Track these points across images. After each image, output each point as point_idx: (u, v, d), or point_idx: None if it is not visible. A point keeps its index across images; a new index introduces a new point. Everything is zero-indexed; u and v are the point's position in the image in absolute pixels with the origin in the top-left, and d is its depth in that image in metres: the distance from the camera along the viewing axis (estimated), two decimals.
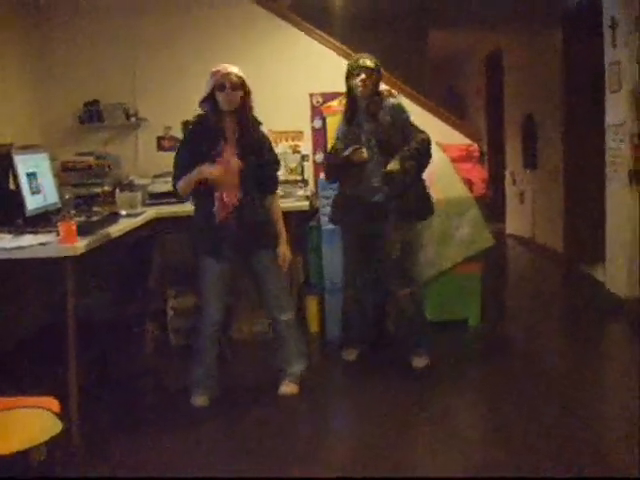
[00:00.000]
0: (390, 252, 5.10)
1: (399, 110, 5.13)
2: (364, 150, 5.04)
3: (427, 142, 5.12)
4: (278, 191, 4.97)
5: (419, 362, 5.24)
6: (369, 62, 5.06)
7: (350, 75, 5.10)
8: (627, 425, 4.29)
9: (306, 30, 6.71)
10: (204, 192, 4.54)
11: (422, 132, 5.14)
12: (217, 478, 3.62)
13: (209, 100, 4.53)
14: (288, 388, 4.82)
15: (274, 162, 4.83)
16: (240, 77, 4.50)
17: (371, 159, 5.04)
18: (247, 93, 4.56)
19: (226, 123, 4.56)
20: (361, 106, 5.13)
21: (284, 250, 4.77)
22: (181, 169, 4.57)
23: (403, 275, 5.18)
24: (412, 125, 5.15)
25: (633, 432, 4.11)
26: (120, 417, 4.58)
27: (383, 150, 5.03)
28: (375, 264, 5.29)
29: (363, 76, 5.03)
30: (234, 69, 4.51)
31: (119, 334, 5.62)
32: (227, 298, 4.84)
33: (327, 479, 3.67)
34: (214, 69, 4.51)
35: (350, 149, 5.05)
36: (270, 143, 4.82)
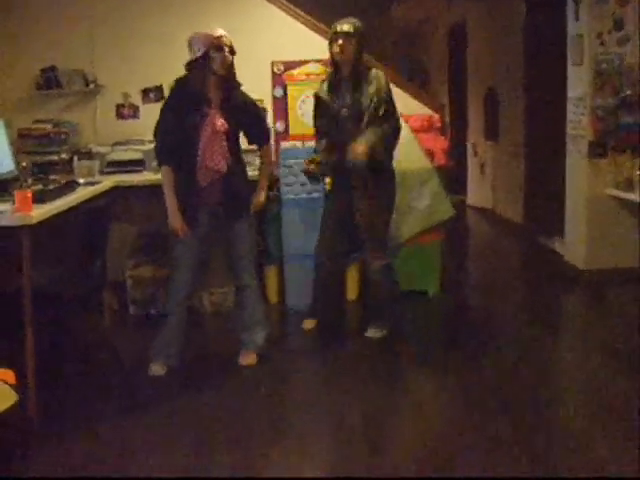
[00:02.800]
0: (367, 223, 5.08)
1: (384, 81, 5.02)
2: (313, 166, 5.09)
3: (399, 130, 5.12)
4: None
5: (375, 333, 5.26)
6: (347, 27, 4.94)
7: (330, 41, 5.02)
8: (581, 394, 4.39)
9: None
10: (187, 157, 4.48)
11: (397, 117, 5.11)
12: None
13: (199, 62, 4.44)
14: (248, 358, 4.82)
15: (263, 115, 4.99)
16: (230, 39, 4.52)
17: (345, 130, 4.99)
18: (234, 56, 4.57)
19: (212, 86, 4.52)
20: (345, 76, 5.04)
21: (261, 195, 4.82)
22: (165, 134, 4.53)
23: (379, 246, 5.17)
24: (393, 104, 5.08)
25: (587, 401, 4.20)
26: (77, 389, 4.53)
27: (356, 123, 4.96)
28: (350, 234, 5.24)
29: (340, 42, 4.92)
30: (223, 32, 4.50)
31: (77, 305, 5.57)
32: (198, 269, 4.79)
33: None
34: (200, 32, 4.47)
35: (306, 161, 5.14)
36: (255, 102, 4.82)
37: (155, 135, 4.61)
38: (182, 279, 4.68)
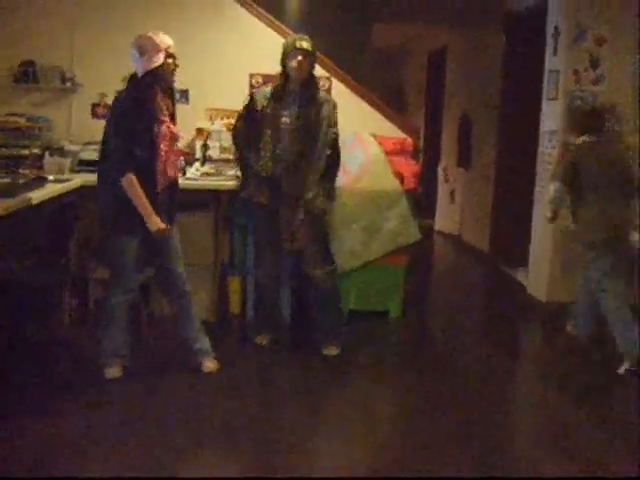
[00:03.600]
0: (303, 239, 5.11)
1: (330, 109, 5.05)
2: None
3: (338, 163, 5.18)
4: None
5: (330, 350, 5.28)
6: (306, 44, 4.94)
7: (286, 56, 4.99)
8: (530, 421, 4.47)
9: (250, 10, 6.68)
10: (144, 164, 4.44)
11: (337, 148, 5.15)
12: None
13: (155, 70, 4.42)
14: (211, 363, 4.83)
15: None
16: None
17: (285, 142, 5.01)
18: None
19: (161, 94, 4.54)
20: (294, 89, 5.04)
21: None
22: (130, 142, 4.41)
23: (322, 258, 5.20)
24: (335, 132, 5.10)
25: (535, 429, 4.29)
26: (31, 386, 4.50)
27: (299, 137, 5.00)
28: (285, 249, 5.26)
29: (300, 58, 4.92)
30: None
31: (37, 301, 5.54)
32: (143, 269, 4.78)
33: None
34: (151, 37, 4.42)
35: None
36: None
37: (115, 143, 4.47)
38: (126, 282, 4.66)
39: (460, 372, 5.18)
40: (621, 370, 5.04)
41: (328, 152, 5.02)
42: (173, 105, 4.66)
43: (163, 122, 4.50)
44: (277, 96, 5.06)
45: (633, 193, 5.13)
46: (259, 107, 5.07)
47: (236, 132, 5.27)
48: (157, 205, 4.51)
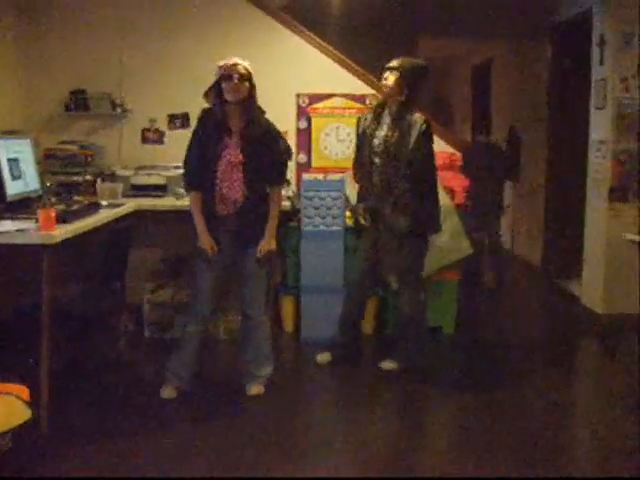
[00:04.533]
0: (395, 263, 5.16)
1: (418, 132, 5.01)
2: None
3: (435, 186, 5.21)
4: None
5: (389, 365, 5.27)
6: (394, 62, 5.08)
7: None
8: (589, 437, 4.40)
9: (296, 31, 6.71)
10: (207, 186, 4.53)
11: (433, 170, 5.19)
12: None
13: (214, 92, 4.50)
14: (256, 389, 4.81)
15: (281, 152, 4.75)
16: (247, 69, 4.52)
17: (377, 163, 5.07)
18: (253, 86, 4.56)
19: (231, 115, 4.55)
20: (390, 110, 5.11)
21: (270, 242, 4.70)
22: (191, 161, 4.60)
23: (411, 281, 5.21)
24: (431, 154, 5.14)
25: (594, 445, 4.20)
26: (89, 408, 4.55)
27: (385, 158, 5.03)
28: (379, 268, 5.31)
29: (385, 75, 5.06)
30: (241, 61, 4.53)
31: (93, 325, 5.61)
32: (218, 293, 4.81)
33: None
34: (221, 62, 4.51)
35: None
36: (278, 132, 4.74)
37: (185, 161, 4.66)
38: (202, 303, 4.71)
39: (520, 387, 5.11)
40: None
41: (408, 172, 5.00)
42: (248, 122, 4.57)
43: (226, 146, 4.53)
44: (375, 116, 5.16)
45: None
46: (361, 130, 5.20)
47: (354, 158, 5.37)
48: (219, 229, 4.58)
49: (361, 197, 5.28)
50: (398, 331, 5.43)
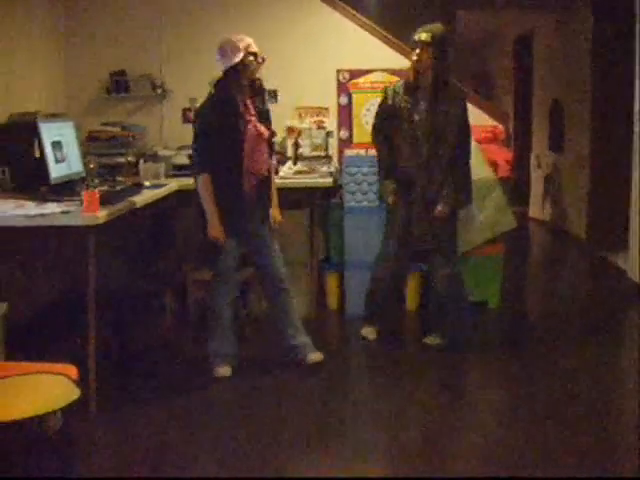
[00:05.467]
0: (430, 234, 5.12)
1: (461, 107, 5.04)
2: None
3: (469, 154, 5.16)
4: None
5: (434, 340, 5.26)
6: (424, 35, 4.90)
7: (411, 49, 5.07)
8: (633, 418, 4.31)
9: (334, 6, 6.65)
10: (228, 163, 4.52)
11: (470, 141, 5.16)
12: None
13: (237, 69, 4.50)
14: (316, 355, 4.81)
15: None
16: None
17: (417, 139, 5.01)
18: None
19: (246, 93, 4.58)
20: (424, 84, 5.04)
21: (276, 213, 4.85)
22: (206, 141, 4.54)
23: (445, 257, 5.18)
24: (469, 126, 5.11)
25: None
26: (138, 386, 4.60)
27: (428, 136, 4.99)
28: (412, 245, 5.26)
29: (418, 50, 4.94)
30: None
31: (138, 305, 5.66)
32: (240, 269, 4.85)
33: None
34: (232, 38, 4.51)
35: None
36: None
37: (194, 143, 4.63)
38: (229, 284, 4.74)
39: (567, 360, 5.08)
40: None
41: (457, 151, 5.00)
42: (263, 103, 4.69)
43: (249, 121, 4.55)
44: (409, 91, 5.07)
45: None
46: (390, 102, 5.11)
47: (374, 131, 5.30)
48: (245, 204, 4.57)
49: (387, 172, 5.21)
50: (436, 307, 5.40)
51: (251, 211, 4.61)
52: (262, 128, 4.60)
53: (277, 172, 5.70)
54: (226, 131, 4.50)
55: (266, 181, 4.71)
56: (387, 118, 5.15)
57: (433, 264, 5.23)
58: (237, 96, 4.54)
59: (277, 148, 5.96)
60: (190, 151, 5.93)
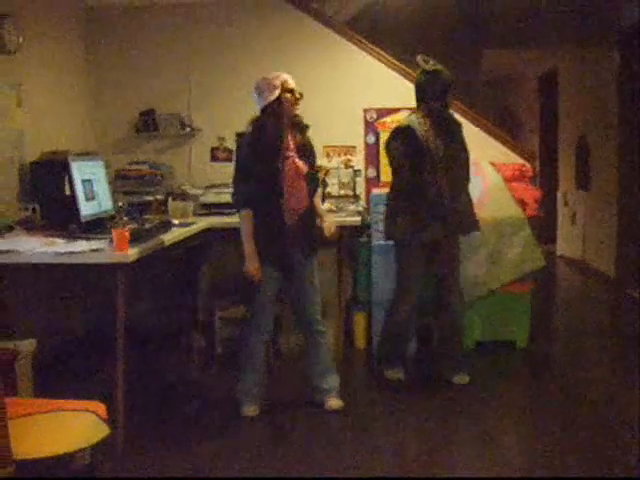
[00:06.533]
0: (453, 266, 5.19)
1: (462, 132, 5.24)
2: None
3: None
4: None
5: (462, 379, 5.24)
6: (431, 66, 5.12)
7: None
8: None
9: (361, 45, 6.71)
10: (269, 199, 4.55)
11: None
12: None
13: (273, 106, 4.54)
14: (334, 402, 4.79)
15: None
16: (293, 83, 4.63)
17: (441, 169, 5.05)
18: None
19: (284, 130, 4.60)
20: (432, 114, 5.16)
21: (331, 221, 4.88)
22: (246, 178, 4.58)
23: (459, 289, 5.24)
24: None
25: None
26: (166, 425, 4.60)
27: (450, 164, 5.07)
28: (432, 279, 5.29)
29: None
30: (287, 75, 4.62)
31: (166, 342, 5.67)
32: (275, 307, 4.85)
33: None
34: (267, 77, 4.57)
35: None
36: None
37: (234, 180, 4.66)
38: (265, 321, 4.73)
39: (591, 402, 5.00)
40: None
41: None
42: (302, 137, 4.69)
43: (287, 157, 4.57)
44: (429, 125, 5.10)
45: None
46: (418, 134, 5.05)
47: (401, 167, 5.16)
48: (288, 236, 4.59)
49: (417, 225, 5.11)
50: (452, 343, 5.36)
51: (293, 243, 4.62)
52: (300, 163, 4.60)
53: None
54: (264, 168, 4.53)
55: (309, 214, 4.69)
56: (420, 158, 5.04)
57: (450, 293, 5.23)
58: (274, 133, 4.57)
59: None
60: (219, 190, 6.01)
